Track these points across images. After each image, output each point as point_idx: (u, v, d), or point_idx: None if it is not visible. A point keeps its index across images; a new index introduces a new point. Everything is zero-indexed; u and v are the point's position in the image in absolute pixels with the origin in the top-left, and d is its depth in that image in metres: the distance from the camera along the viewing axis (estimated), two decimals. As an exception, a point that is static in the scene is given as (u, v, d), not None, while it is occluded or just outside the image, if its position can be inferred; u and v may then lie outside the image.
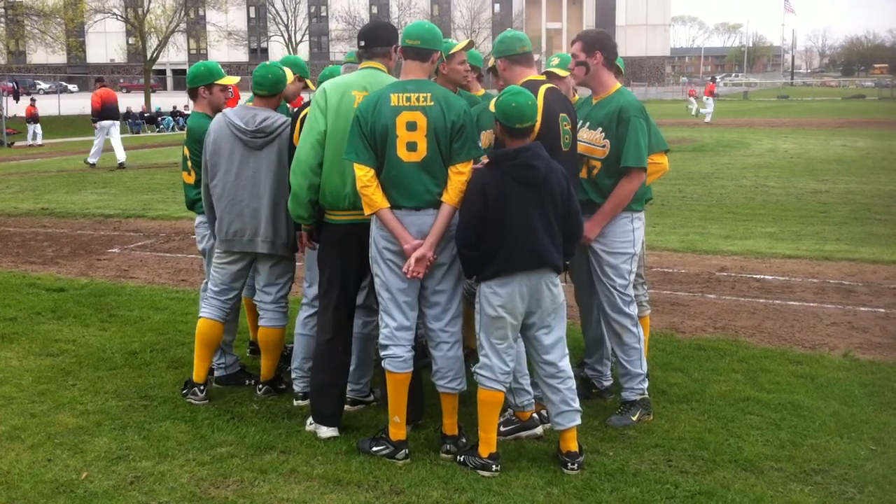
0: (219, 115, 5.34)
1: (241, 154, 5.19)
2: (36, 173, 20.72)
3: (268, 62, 5.45)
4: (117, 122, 21.61)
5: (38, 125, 32.35)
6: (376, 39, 4.74)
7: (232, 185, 5.22)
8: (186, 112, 40.29)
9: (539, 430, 4.81)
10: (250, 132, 5.16)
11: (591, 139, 4.95)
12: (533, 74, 4.78)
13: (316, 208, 4.74)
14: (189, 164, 5.63)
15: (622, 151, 4.86)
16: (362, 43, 4.75)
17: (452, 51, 4.99)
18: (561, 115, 4.57)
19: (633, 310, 5.09)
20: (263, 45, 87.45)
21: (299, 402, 5.27)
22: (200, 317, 5.47)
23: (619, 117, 4.88)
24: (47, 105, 42.61)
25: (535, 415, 4.83)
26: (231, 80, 5.70)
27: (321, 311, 4.90)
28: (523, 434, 4.80)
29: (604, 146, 4.93)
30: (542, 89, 4.56)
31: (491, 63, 5.02)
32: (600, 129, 4.94)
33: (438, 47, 4.55)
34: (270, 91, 5.29)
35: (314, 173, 4.61)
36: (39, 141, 31.80)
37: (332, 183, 4.62)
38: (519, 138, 4.27)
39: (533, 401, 4.79)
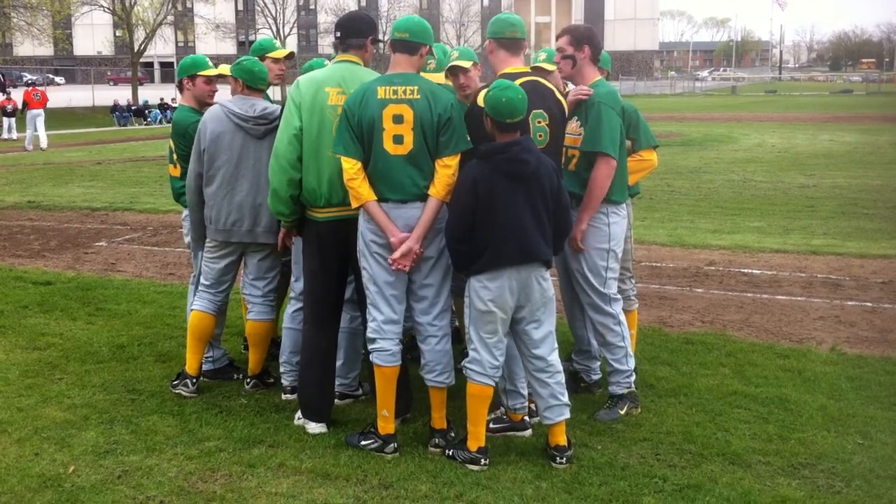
0: (214, 107, 5.30)
1: (241, 144, 5.16)
2: (22, 166, 20.59)
3: (252, 58, 5.42)
4: None
5: (14, 119, 31.22)
6: (352, 31, 4.70)
7: (232, 175, 5.19)
8: (174, 105, 40.04)
9: (528, 432, 4.80)
10: (252, 119, 5.14)
11: (569, 129, 4.95)
12: (516, 65, 4.73)
13: (298, 205, 4.70)
14: (175, 157, 5.61)
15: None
16: (338, 34, 4.70)
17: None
18: (534, 111, 4.54)
19: (616, 307, 5.04)
20: (252, 37, 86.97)
21: (287, 395, 5.26)
22: (192, 309, 5.45)
23: (587, 104, 4.88)
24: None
25: (525, 418, 4.82)
26: (214, 71, 5.69)
27: (304, 306, 4.89)
28: (511, 433, 4.79)
29: (579, 134, 4.93)
30: (518, 83, 4.51)
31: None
32: (575, 118, 4.94)
33: (427, 41, 4.52)
34: (266, 83, 5.33)
35: (294, 168, 4.58)
36: (14, 136, 30.57)
37: (307, 181, 4.59)
38: (509, 132, 4.25)
39: (526, 404, 4.78)
